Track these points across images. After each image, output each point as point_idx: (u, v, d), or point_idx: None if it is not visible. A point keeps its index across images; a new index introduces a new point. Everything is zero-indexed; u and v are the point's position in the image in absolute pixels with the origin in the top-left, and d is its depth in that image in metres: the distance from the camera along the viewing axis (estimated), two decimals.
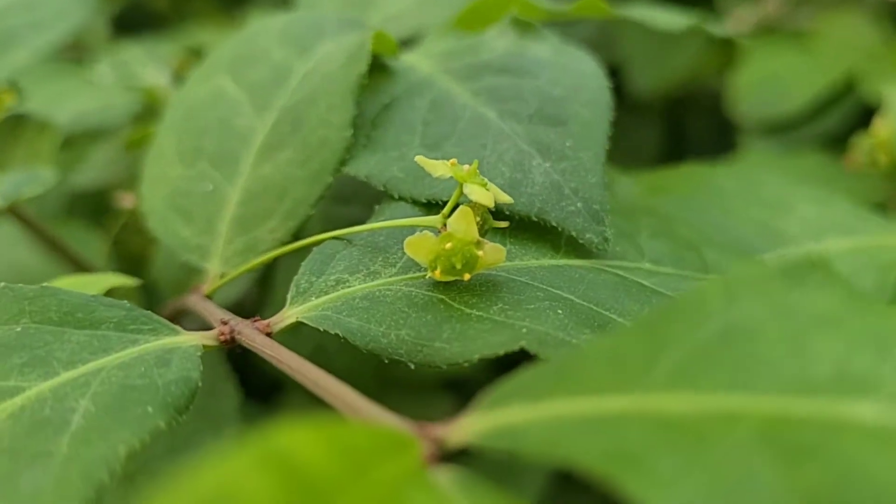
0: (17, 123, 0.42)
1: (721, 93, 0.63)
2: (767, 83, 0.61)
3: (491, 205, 0.21)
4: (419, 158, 0.22)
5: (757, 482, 0.11)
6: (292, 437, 0.11)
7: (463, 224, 0.21)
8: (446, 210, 0.22)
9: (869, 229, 0.32)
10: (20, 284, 0.22)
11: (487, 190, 0.21)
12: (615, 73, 0.76)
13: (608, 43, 0.83)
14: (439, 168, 0.21)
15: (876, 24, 0.64)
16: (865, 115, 0.57)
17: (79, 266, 0.40)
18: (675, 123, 0.86)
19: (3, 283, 0.22)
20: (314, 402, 0.45)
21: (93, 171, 0.52)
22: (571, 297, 0.22)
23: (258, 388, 0.40)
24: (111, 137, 0.53)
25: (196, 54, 0.60)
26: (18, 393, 0.19)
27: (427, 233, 0.22)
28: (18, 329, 0.21)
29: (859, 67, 0.59)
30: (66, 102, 0.51)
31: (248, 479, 0.10)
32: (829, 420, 0.12)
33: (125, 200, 0.42)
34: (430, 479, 0.13)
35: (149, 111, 0.52)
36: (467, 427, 0.14)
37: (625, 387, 0.13)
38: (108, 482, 0.16)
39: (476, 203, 0.21)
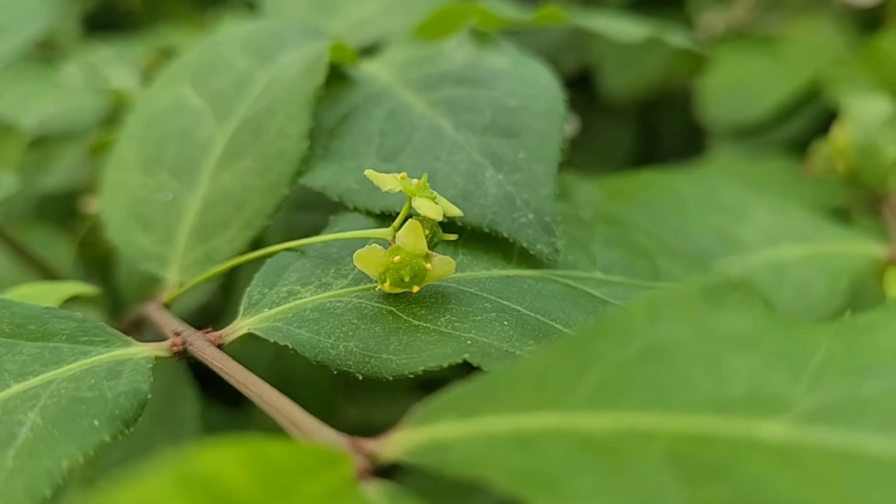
0: None
1: (692, 95, 0.64)
2: (735, 88, 0.62)
3: (439, 218, 0.22)
4: (369, 173, 0.22)
5: (663, 501, 0.12)
6: (214, 457, 0.11)
7: (412, 237, 0.21)
8: (396, 223, 0.22)
9: (822, 237, 0.33)
10: None
11: (437, 203, 0.22)
12: (588, 76, 0.76)
13: (580, 46, 0.84)
14: (388, 182, 0.22)
15: (841, 30, 0.64)
16: (830, 120, 0.58)
17: (44, 270, 0.40)
18: (648, 125, 0.87)
19: None
20: None
21: (60, 173, 0.52)
22: (519, 308, 0.22)
23: (226, 394, 0.41)
24: (78, 140, 0.53)
25: (166, 55, 0.60)
26: None
27: (376, 245, 0.22)
28: None
29: (825, 73, 0.60)
30: (32, 104, 0.51)
31: (165, 499, 0.10)
32: (738, 439, 0.12)
33: (91, 205, 0.42)
34: (360, 493, 0.14)
35: (117, 114, 0.52)
36: (398, 442, 0.15)
37: (549, 405, 0.14)
38: (49, 497, 0.16)
39: (425, 217, 0.22)
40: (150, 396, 0.20)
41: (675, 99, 0.77)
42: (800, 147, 0.57)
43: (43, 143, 0.51)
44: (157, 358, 0.21)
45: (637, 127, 0.88)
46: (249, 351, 0.25)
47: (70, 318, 0.22)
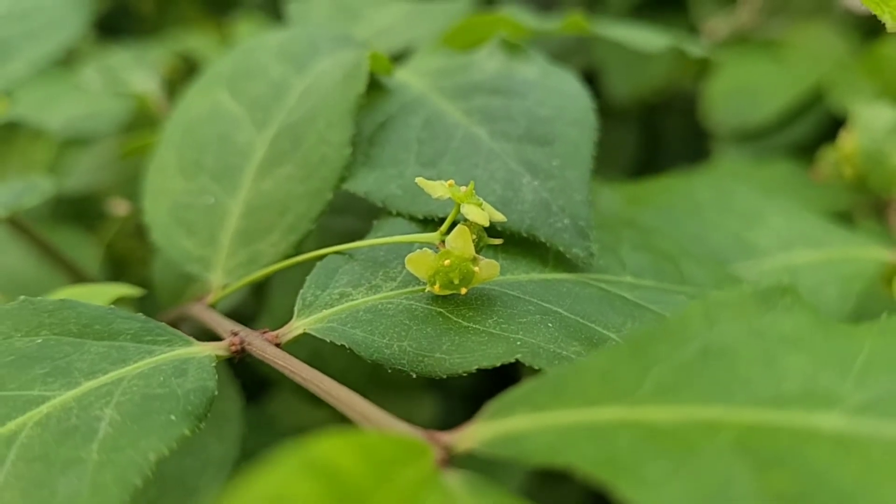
0: (11, 131, 0.43)
1: (696, 98, 0.65)
2: (739, 93, 0.63)
3: (486, 224, 0.23)
4: (420, 180, 0.23)
5: (734, 486, 0.13)
6: (330, 445, 0.12)
7: (460, 242, 0.23)
8: (444, 228, 0.23)
9: (834, 242, 0.34)
10: (40, 298, 0.23)
11: (483, 209, 0.23)
12: (592, 79, 0.78)
13: (585, 48, 0.85)
14: (438, 189, 0.23)
15: (844, 35, 0.66)
16: (833, 125, 0.59)
17: (71, 271, 0.41)
18: (652, 128, 0.88)
19: (22, 297, 0.23)
20: (301, 401, 0.46)
21: (81, 176, 0.53)
22: (560, 311, 0.24)
23: (246, 388, 0.42)
24: (100, 143, 0.54)
25: (184, 59, 0.61)
26: (43, 402, 0.20)
27: (426, 249, 0.23)
28: (39, 341, 0.22)
29: (828, 78, 0.62)
30: (55, 108, 0.51)
31: (296, 483, 0.11)
32: (798, 430, 0.14)
33: (119, 208, 0.43)
34: (442, 482, 0.15)
35: (139, 117, 0.53)
36: (473, 435, 0.16)
37: (616, 399, 0.15)
38: (140, 486, 0.17)
39: (472, 222, 0.23)
40: (216, 393, 0.21)
41: (679, 102, 0.78)
42: (803, 151, 0.58)
43: (64, 145, 0.52)
44: (217, 357, 0.22)
45: (641, 129, 0.89)
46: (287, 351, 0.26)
47: (133, 318, 0.23)
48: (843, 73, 0.61)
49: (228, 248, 0.29)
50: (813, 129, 0.61)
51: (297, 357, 0.23)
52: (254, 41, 0.35)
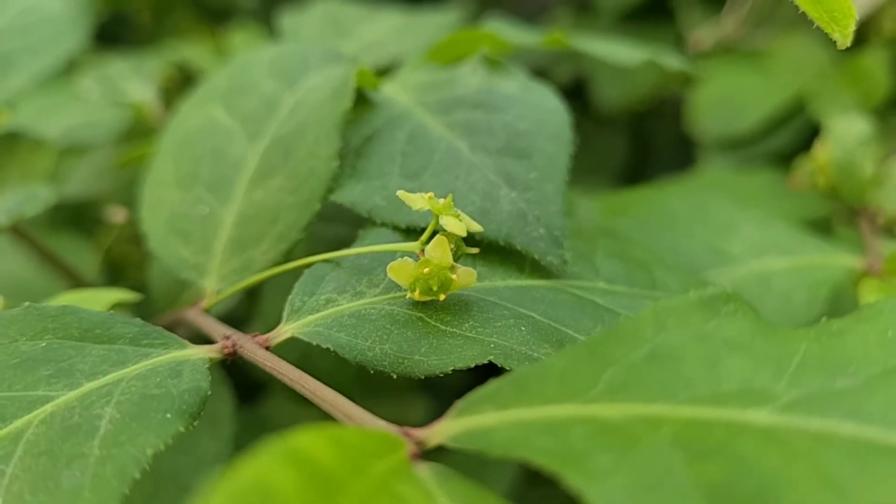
0: (12, 142, 0.44)
1: (682, 106, 0.66)
2: (723, 103, 0.64)
3: (464, 234, 0.24)
4: (401, 193, 0.25)
5: (671, 476, 0.14)
6: (307, 438, 0.14)
7: (439, 251, 0.24)
8: (424, 237, 0.25)
9: (804, 250, 0.36)
10: (43, 304, 0.24)
11: (461, 220, 0.24)
12: (581, 87, 0.79)
13: (575, 57, 0.87)
14: (418, 202, 0.24)
15: (826, 46, 0.67)
16: (815, 133, 0.61)
17: (70, 276, 0.42)
18: (640, 135, 0.90)
19: (27, 304, 0.24)
20: (291, 402, 0.48)
21: (80, 183, 0.54)
22: (534, 315, 0.25)
23: (241, 390, 0.43)
24: (97, 151, 0.55)
25: (180, 69, 0.62)
26: (48, 401, 0.22)
27: (407, 258, 0.24)
28: (43, 344, 0.23)
29: (809, 88, 0.63)
30: (54, 117, 0.53)
31: (276, 472, 0.13)
32: (731, 425, 0.15)
33: (117, 215, 0.44)
34: (413, 472, 0.16)
35: (136, 126, 0.54)
36: (442, 430, 0.17)
37: (572, 398, 0.17)
38: (138, 479, 0.19)
39: (450, 232, 0.24)
40: (209, 393, 0.22)
41: (667, 109, 0.80)
42: (785, 159, 0.60)
43: (63, 154, 0.53)
44: (210, 359, 0.24)
45: (629, 136, 0.91)
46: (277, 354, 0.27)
47: (132, 323, 0.24)
48: (825, 83, 0.62)
49: (222, 256, 0.30)
50: (795, 137, 0.63)
51: (286, 360, 0.24)
52: (247, 57, 0.36)
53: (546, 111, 0.31)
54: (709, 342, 0.17)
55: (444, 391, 0.48)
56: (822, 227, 0.48)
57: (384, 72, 0.41)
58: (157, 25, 0.72)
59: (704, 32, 0.73)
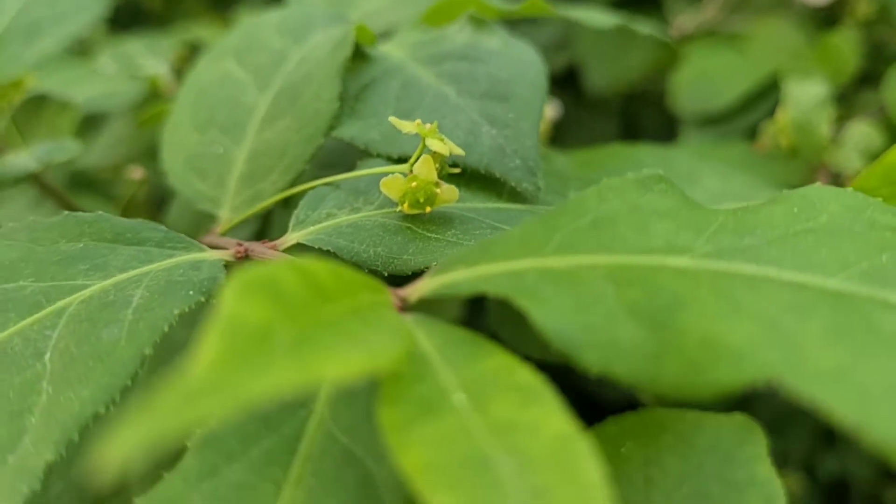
0: (39, 103, 0.48)
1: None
2: (702, 81, 0.68)
3: (447, 154, 0.28)
4: (393, 119, 0.29)
5: (603, 300, 0.18)
6: (309, 260, 0.17)
7: (425, 168, 0.28)
8: (413, 159, 0.28)
9: (758, 197, 0.39)
10: (80, 212, 0.28)
11: (444, 143, 0.28)
12: (575, 73, 0.83)
13: (568, 44, 0.91)
14: (407, 126, 0.28)
15: (801, 27, 0.71)
16: None
17: None
18: (630, 117, 0.94)
19: (66, 212, 0.28)
20: None
21: (100, 150, 0.58)
22: (507, 228, 0.29)
23: None
24: (116, 120, 0.59)
25: (192, 48, 0.66)
26: (86, 288, 0.25)
27: (398, 175, 0.28)
28: (80, 245, 0.27)
29: (784, 66, 0.67)
30: (75, 89, 0.56)
31: (284, 273, 0.16)
32: (654, 267, 0.19)
33: (136, 173, 0.48)
34: (398, 316, 0.20)
35: (151, 98, 0.58)
36: (422, 287, 0.21)
37: (528, 255, 0.20)
38: (167, 333, 0.22)
39: (435, 152, 0.28)
40: (224, 283, 0.26)
41: (654, 93, 0.84)
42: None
43: (84, 121, 0.57)
44: (225, 260, 0.28)
45: (620, 118, 0.94)
46: None
47: (158, 228, 0.28)
48: (798, 61, 0.66)
49: (234, 189, 0.34)
50: (769, 113, 0.66)
51: None
52: (258, 19, 0.40)
53: (524, 63, 0.35)
54: (641, 211, 0.20)
55: None
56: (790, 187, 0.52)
57: (383, 36, 0.44)
58: (167, 12, 0.76)
59: (687, 18, 0.76)
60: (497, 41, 0.36)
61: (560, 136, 1.06)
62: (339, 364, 0.14)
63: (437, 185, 0.28)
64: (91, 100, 0.56)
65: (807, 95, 0.44)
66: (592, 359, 0.17)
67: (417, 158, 0.28)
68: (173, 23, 0.75)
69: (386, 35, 0.45)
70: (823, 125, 0.44)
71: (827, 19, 0.71)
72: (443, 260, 0.26)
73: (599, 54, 0.83)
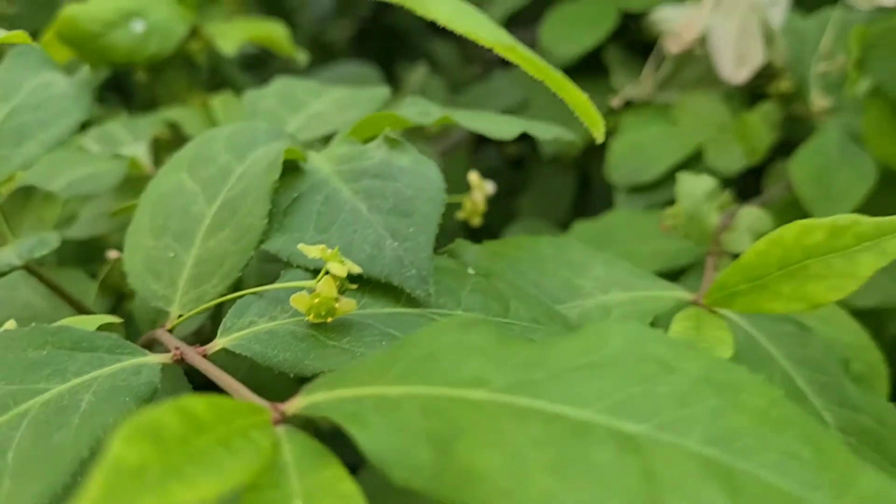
0: (26, 195, 0.55)
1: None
2: (635, 152, 0.74)
3: (344, 275, 0.34)
4: (301, 246, 0.35)
5: (412, 426, 0.24)
6: (194, 399, 0.24)
7: (326, 287, 0.34)
8: (318, 278, 0.35)
9: (643, 286, 0.45)
10: (45, 324, 0.35)
11: (343, 265, 0.34)
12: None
13: (527, 107, 0.98)
14: (313, 252, 0.35)
15: (727, 101, 0.77)
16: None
17: (74, 305, 0.52)
18: (586, 171, 1.01)
19: (34, 324, 0.34)
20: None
21: (84, 225, 0.65)
22: (396, 333, 0.35)
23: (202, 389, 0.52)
24: (98, 198, 0.66)
25: (171, 127, 0.73)
26: (46, 391, 0.32)
27: (304, 292, 0.35)
28: (45, 352, 0.33)
29: (711, 138, 0.73)
30: (61, 171, 0.63)
31: (166, 416, 0.22)
32: (456, 398, 0.25)
33: (112, 254, 0.55)
34: (271, 429, 0.26)
35: (131, 177, 0.65)
36: (296, 404, 0.27)
37: (373, 382, 0.26)
38: (103, 437, 0.29)
39: (335, 274, 0.34)
40: (159, 387, 0.32)
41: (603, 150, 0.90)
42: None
43: (69, 201, 0.64)
44: (163, 364, 0.34)
45: (576, 172, 1.01)
46: (232, 362, 0.37)
47: (108, 338, 0.34)
48: (723, 135, 0.72)
49: (183, 289, 0.40)
50: None
51: (241, 368, 0.34)
52: (211, 133, 0.46)
53: (428, 180, 0.41)
54: (462, 348, 0.27)
55: None
56: (687, 266, 0.58)
57: (327, 138, 0.51)
58: (151, 88, 0.83)
59: (629, 89, 0.83)
60: (407, 159, 0.43)
61: (523, 189, 1.13)
62: (198, 491, 0.20)
63: (336, 300, 0.34)
64: (77, 181, 0.62)
65: (697, 189, 0.51)
66: (397, 476, 0.23)
67: (322, 278, 0.35)
68: (157, 97, 0.82)
69: (329, 137, 0.51)
70: (712, 215, 0.51)
71: (749, 94, 0.78)
72: (337, 366, 0.33)
73: (547, 118, 0.90)
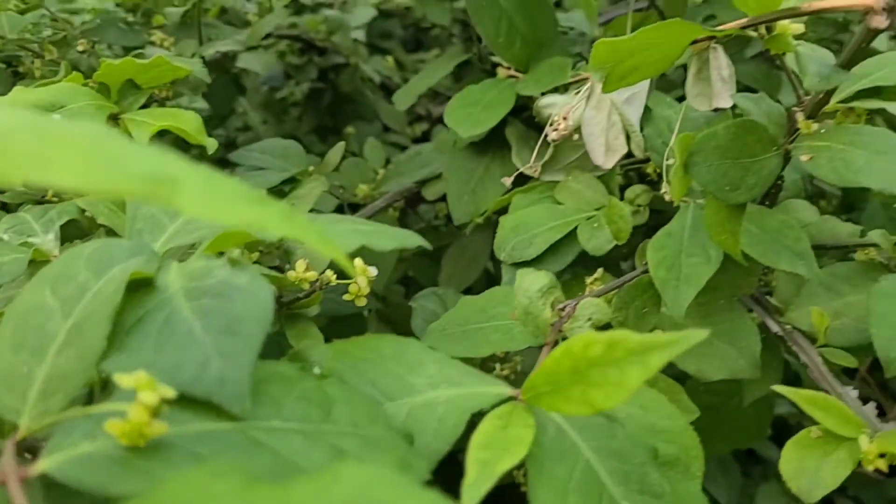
0: None
1: None
2: (518, 230, 0.79)
3: (155, 402, 0.39)
4: (116, 376, 0.39)
5: None
6: None
7: (138, 412, 0.38)
8: (134, 405, 0.39)
9: (468, 383, 0.50)
10: None
11: (155, 392, 0.39)
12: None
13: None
14: (126, 381, 0.39)
15: (607, 182, 0.82)
16: (583, 256, 0.76)
17: None
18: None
19: None
20: None
21: None
22: (204, 453, 0.39)
23: None
24: (7, 286, 0.70)
25: (81, 212, 0.77)
26: None
27: (118, 418, 0.39)
28: None
29: (583, 220, 0.78)
30: None
31: None
32: None
33: None
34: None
35: (38, 264, 0.69)
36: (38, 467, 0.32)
37: None
38: None
39: (145, 403, 0.39)
40: None
41: None
42: (561, 274, 0.74)
43: None
44: None
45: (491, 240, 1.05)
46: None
47: None
48: (593, 218, 0.77)
49: (32, 403, 0.44)
50: (571, 261, 0.77)
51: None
52: (76, 249, 0.51)
53: (259, 300, 0.46)
54: (209, 494, 0.31)
55: None
56: None
57: (190, 250, 0.56)
58: None
59: (527, 168, 0.88)
60: (245, 278, 0.47)
61: (443, 253, 1.17)
62: None
63: (148, 424, 0.39)
64: None
65: (533, 287, 0.55)
66: None
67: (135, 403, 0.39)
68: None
69: (194, 247, 0.56)
70: (547, 311, 0.55)
71: (629, 170, 0.83)
72: (140, 490, 0.37)
73: (456, 191, 0.95)
